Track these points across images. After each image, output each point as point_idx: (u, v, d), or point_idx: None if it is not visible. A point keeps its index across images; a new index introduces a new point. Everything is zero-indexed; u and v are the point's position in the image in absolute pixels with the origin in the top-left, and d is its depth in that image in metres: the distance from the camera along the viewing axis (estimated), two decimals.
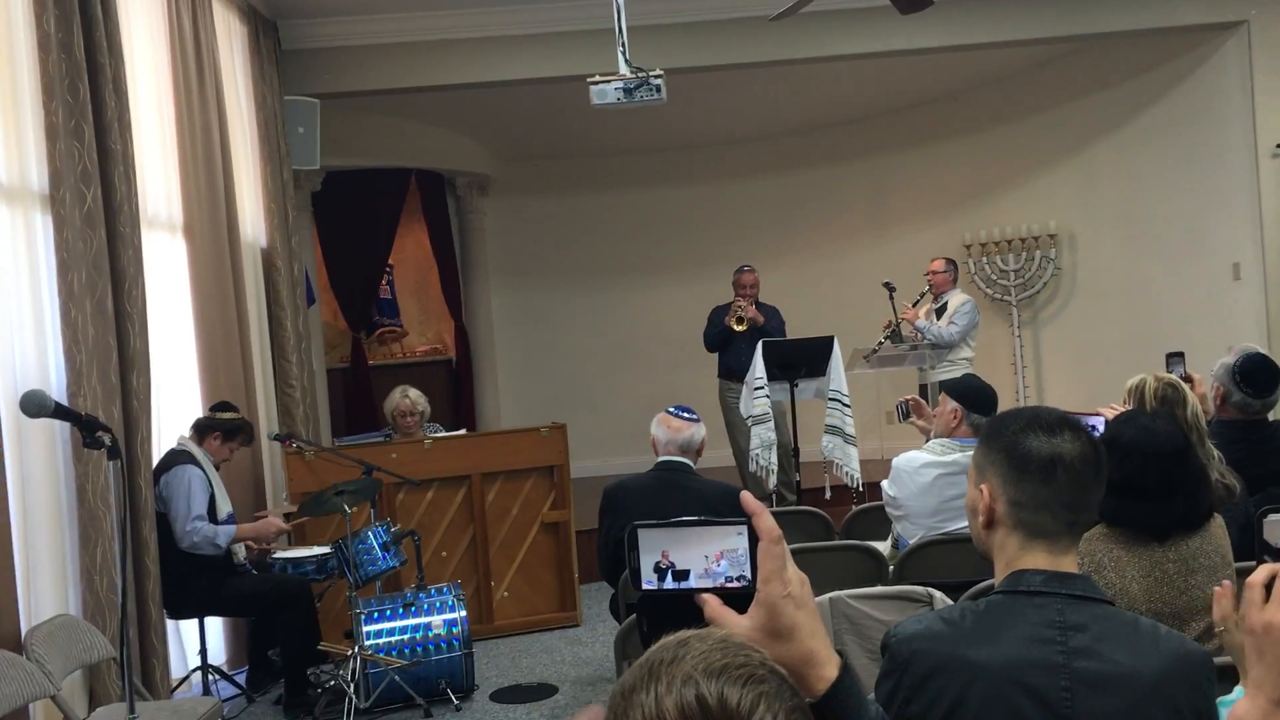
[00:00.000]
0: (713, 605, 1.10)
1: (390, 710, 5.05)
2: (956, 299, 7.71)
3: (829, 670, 1.08)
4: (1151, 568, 2.53)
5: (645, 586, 1.11)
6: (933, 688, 1.65)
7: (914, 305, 7.74)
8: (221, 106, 5.88)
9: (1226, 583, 1.06)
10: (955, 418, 3.94)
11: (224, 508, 5.09)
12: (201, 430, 5.14)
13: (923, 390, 7.69)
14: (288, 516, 5.61)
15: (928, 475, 3.91)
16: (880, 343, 7.63)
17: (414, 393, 6.72)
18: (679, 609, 1.11)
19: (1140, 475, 2.54)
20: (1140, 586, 2.52)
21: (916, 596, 3.14)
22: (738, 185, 10.54)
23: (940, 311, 7.70)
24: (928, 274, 7.91)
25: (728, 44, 7.37)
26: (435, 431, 6.68)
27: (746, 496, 1.12)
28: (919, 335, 7.59)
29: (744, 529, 1.10)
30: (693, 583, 1.11)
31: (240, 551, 5.18)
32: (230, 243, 5.83)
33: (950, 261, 7.96)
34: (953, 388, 4.04)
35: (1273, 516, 1.10)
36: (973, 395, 3.96)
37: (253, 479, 5.97)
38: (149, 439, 4.69)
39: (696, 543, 1.11)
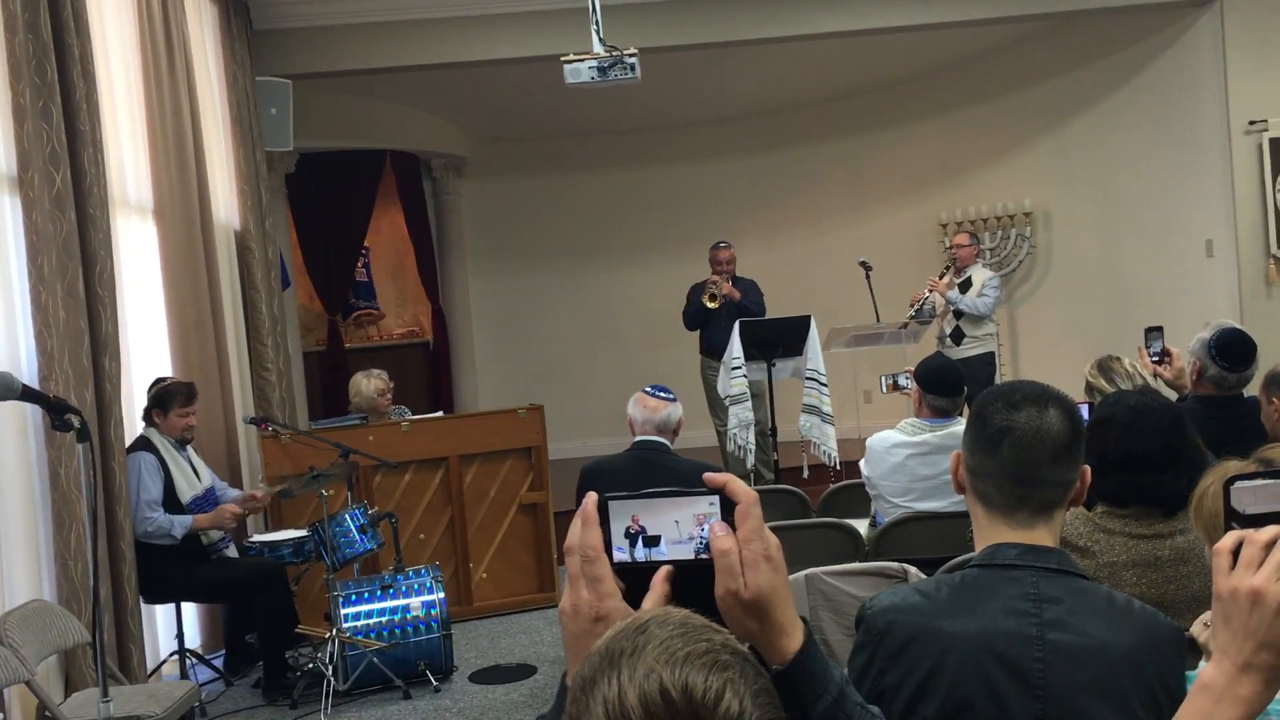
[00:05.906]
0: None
1: (369, 692, 5.04)
2: (981, 274, 7.70)
3: (796, 637, 1.08)
4: (1145, 554, 2.47)
5: (617, 556, 1.10)
6: (907, 659, 1.67)
7: (940, 278, 7.71)
8: (192, 87, 5.81)
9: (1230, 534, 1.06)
10: (917, 399, 3.96)
11: (189, 491, 5.01)
12: (146, 417, 5.05)
13: None
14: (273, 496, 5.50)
15: (898, 455, 3.93)
16: (910, 317, 7.66)
17: (376, 371, 6.67)
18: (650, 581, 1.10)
19: (1141, 446, 2.49)
20: (1131, 574, 2.47)
21: (891, 573, 3.15)
22: (714, 165, 10.52)
23: (964, 287, 7.66)
24: (951, 248, 7.95)
25: (702, 23, 7.34)
26: (403, 415, 6.65)
27: (708, 475, 1.11)
28: (948, 307, 7.61)
29: (715, 499, 1.09)
30: (663, 549, 1.10)
31: (215, 533, 5.13)
32: (203, 225, 5.77)
33: (974, 235, 7.99)
34: (917, 369, 4.04)
35: (1240, 484, 1.11)
36: (929, 376, 3.95)
37: (229, 463, 5.93)
38: (122, 423, 4.65)
39: (667, 511, 1.10)
